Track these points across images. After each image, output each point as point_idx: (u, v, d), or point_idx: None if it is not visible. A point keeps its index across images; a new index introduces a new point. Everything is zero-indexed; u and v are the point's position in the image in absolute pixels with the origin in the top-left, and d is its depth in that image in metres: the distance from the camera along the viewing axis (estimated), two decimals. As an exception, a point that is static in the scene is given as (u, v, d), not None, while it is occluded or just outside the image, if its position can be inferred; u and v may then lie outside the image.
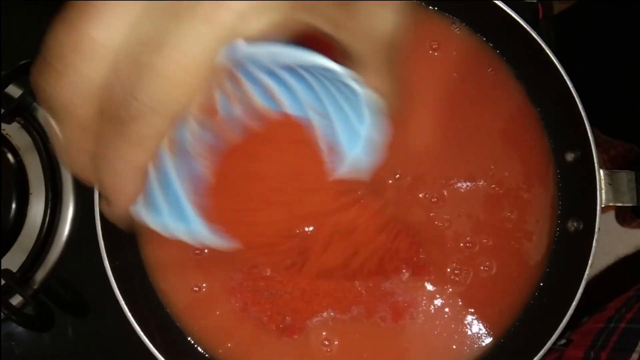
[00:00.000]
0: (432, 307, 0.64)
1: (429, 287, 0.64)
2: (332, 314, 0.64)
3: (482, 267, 0.65)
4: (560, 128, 0.66)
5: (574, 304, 0.59)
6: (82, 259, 0.72)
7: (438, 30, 0.69)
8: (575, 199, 0.65)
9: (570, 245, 0.64)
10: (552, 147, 0.67)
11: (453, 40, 0.69)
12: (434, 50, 0.69)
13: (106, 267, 0.60)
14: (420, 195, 0.65)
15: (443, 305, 0.64)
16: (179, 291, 0.65)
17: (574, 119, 0.62)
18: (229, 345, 0.64)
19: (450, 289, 0.64)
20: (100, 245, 0.60)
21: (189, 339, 0.65)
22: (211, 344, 0.64)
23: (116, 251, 0.62)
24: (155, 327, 0.62)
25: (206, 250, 0.65)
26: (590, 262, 0.59)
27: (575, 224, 0.64)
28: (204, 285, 0.65)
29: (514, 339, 0.64)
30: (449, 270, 0.64)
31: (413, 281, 0.64)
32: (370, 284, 0.64)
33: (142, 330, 0.59)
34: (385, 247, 0.50)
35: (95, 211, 0.60)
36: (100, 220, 0.59)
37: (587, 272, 0.59)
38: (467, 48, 0.69)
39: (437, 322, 0.64)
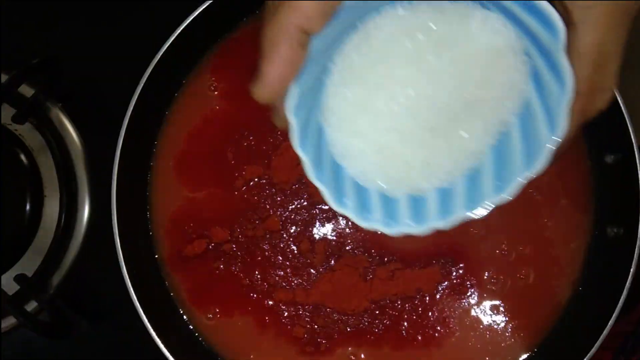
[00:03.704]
0: (466, 317, 0.61)
1: (464, 297, 0.61)
2: (359, 327, 0.61)
3: (518, 276, 0.62)
4: (600, 128, 0.62)
5: (616, 313, 0.56)
6: (100, 262, 0.70)
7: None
8: (615, 204, 0.61)
9: (610, 252, 0.61)
10: (591, 148, 0.63)
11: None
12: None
13: (125, 276, 0.57)
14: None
15: (477, 315, 0.61)
16: (199, 300, 0.63)
17: (614, 118, 0.58)
18: (251, 356, 0.62)
19: (486, 299, 0.61)
20: (118, 254, 0.58)
21: (211, 349, 0.62)
22: (233, 355, 0.62)
23: (135, 258, 0.60)
24: (175, 337, 0.60)
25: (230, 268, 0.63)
26: (632, 270, 0.56)
27: (615, 230, 0.60)
28: (224, 301, 0.62)
29: (550, 351, 0.61)
30: (485, 279, 0.61)
31: (446, 292, 0.61)
32: (400, 295, 0.61)
33: (162, 340, 0.57)
34: None
35: (113, 218, 0.58)
36: (118, 230, 0.57)
37: (629, 280, 0.56)
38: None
39: (472, 333, 0.61)
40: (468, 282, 0.61)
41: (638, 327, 0.75)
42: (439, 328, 0.61)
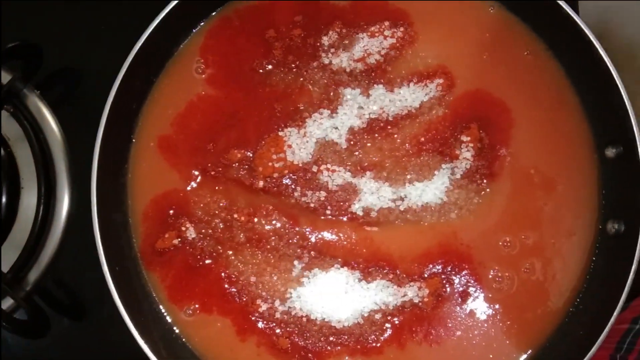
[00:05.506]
0: (471, 316, 0.59)
1: (467, 300, 0.60)
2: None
3: (523, 270, 0.60)
4: (602, 120, 0.61)
5: (616, 312, 0.54)
6: (79, 257, 0.67)
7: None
8: (616, 199, 0.60)
9: (611, 249, 0.59)
10: (593, 140, 0.62)
11: (486, 20, 0.63)
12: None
13: (105, 272, 0.55)
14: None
15: (482, 313, 0.59)
16: (180, 299, 0.61)
17: (616, 110, 0.57)
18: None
19: (491, 295, 0.60)
20: (98, 249, 0.55)
21: (193, 351, 0.60)
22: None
23: (115, 253, 0.57)
24: (158, 337, 0.58)
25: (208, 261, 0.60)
26: (634, 267, 0.55)
27: (615, 226, 0.59)
28: (202, 300, 0.60)
29: (553, 347, 0.60)
30: (490, 277, 0.60)
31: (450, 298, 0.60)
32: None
33: (142, 338, 0.55)
34: None
35: (93, 211, 0.56)
36: (98, 224, 0.55)
37: (630, 279, 0.55)
38: (500, 29, 0.63)
39: (476, 332, 0.59)
40: (471, 286, 0.60)
41: (633, 326, 0.74)
42: (441, 331, 0.59)
